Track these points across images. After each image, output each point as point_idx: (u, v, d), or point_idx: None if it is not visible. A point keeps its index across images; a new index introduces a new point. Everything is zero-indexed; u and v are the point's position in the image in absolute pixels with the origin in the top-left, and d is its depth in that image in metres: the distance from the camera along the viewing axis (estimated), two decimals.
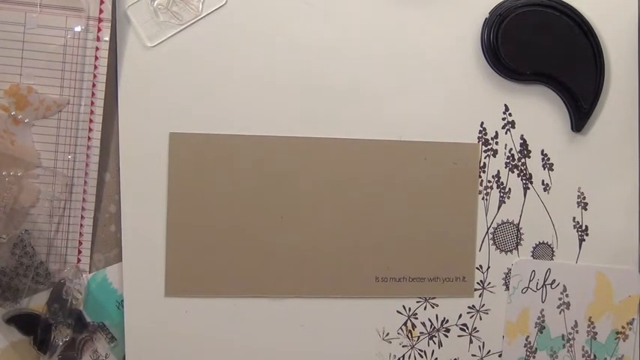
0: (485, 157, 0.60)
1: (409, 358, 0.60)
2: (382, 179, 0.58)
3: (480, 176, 0.60)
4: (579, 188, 0.61)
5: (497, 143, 0.60)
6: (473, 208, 0.59)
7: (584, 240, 0.61)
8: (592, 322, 0.62)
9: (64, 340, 0.55)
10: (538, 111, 0.60)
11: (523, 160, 0.60)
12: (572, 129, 0.60)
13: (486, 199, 0.60)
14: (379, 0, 0.58)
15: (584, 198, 0.61)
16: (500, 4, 0.59)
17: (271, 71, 0.57)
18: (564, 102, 0.60)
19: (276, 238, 0.57)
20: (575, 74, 0.59)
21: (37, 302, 0.55)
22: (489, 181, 0.60)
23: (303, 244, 0.57)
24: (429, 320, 0.60)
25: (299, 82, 0.58)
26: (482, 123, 0.60)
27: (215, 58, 0.57)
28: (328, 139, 0.58)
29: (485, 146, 0.60)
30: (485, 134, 0.60)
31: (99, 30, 0.55)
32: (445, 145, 0.59)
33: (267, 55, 0.57)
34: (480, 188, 0.60)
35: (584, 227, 0.61)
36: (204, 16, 0.57)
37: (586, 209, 0.61)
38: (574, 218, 0.61)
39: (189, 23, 0.57)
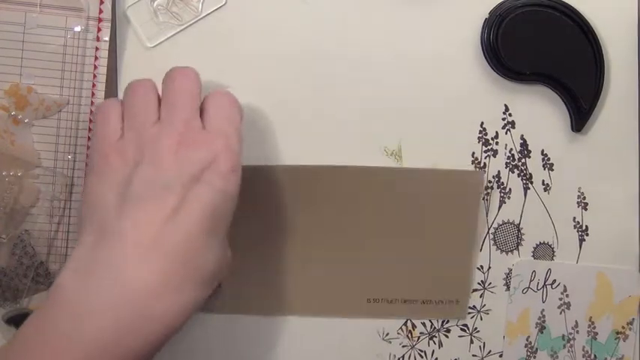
0: (485, 158, 0.60)
1: (409, 358, 0.60)
2: (379, 205, 0.57)
3: (485, 198, 0.60)
4: (579, 188, 0.61)
5: (497, 143, 0.60)
6: (471, 235, 0.59)
7: (584, 240, 0.61)
8: (592, 322, 0.62)
9: None
10: (538, 111, 0.60)
11: (523, 160, 0.60)
12: (572, 129, 0.60)
13: (487, 200, 0.60)
14: (379, 0, 0.58)
15: (584, 198, 0.61)
16: (500, 4, 0.59)
17: (271, 72, 0.57)
18: (564, 102, 0.60)
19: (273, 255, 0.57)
20: (575, 74, 0.59)
21: (37, 302, 0.55)
22: (489, 182, 0.60)
23: (294, 265, 0.57)
24: (430, 320, 0.60)
25: (298, 82, 0.58)
26: (482, 123, 0.60)
27: (215, 58, 0.57)
28: (325, 168, 0.57)
29: (486, 146, 0.60)
30: (486, 134, 0.60)
31: (99, 30, 0.54)
32: (446, 172, 0.58)
33: (267, 55, 0.57)
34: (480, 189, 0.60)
35: (584, 227, 0.61)
36: (204, 16, 0.57)
37: (586, 209, 0.61)
38: (574, 218, 0.61)
39: (189, 23, 0.56)
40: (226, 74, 0.57)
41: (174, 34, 0.56)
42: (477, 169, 0.57)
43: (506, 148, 0.60)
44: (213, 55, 0.57)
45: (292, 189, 0.56)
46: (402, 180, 0.57)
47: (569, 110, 0.60)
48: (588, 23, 0.59)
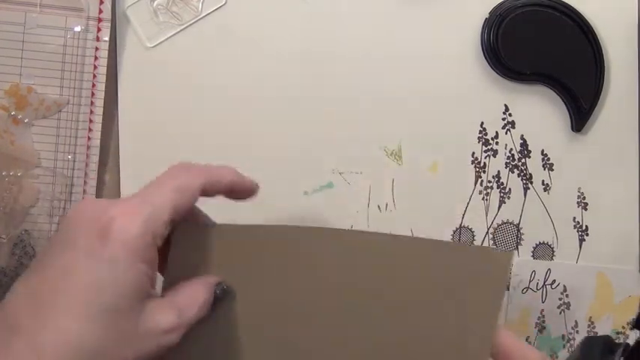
0: (485, 157, 0.60)
1: None
2: (386, 278, 0.40)
3: (481, 176, 0.60)
4: (579, 188, 0.61)
5: (497, 143, 0.60)
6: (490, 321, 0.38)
7: (584, 240, 0.61)
8: (592, 322, 0.62)
9: None
10: (538, 111, 0.60)
11: (523, 160, 0.60)
12: (572, 129, 0.60)
13: (486, 199, 0.60)
14: (379, 0, 0.58)
15: (584, 198, 0.61)
16: (500, 4, 0.59)
17: (271, 71, 0.57)
18: (564, 102, 0.60)
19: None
20: (575, 74, 0.59)
21: None
22: (489, 181, 0.60)
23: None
24: None
25: (298, 82, 0.58)
26: (482, 123, 0.60)
27: (215, 58, 0.57)
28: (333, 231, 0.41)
29: (486, 146, 0.60)
30: (486, 134, 0.60)
31: (99, 30, 0.54)
32: (462, 249, 0.41)
33: (267, 55, 0.57)
34: (481, 188, 0.60)
35: (584, 227, 0.61)
36: (204, 16, 0.57)
37: (586, 209, 0.61)
38: (574, 218, 0.61)
39: (189, 23, 0.56)
40: (226, 74, 0.57)
41: (174, 34, 0.56)
42: (507, 250, 0.40)
43: (506, 148, 0.60)
44: (213, 55, 0.57)
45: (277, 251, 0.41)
46: (404, 251, 0.40)
47: (569, 110, 0.60)
48: (588, 23, 0.59)
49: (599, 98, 0.60)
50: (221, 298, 0.39)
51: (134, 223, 0.35)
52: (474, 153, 0.60)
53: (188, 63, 0.56)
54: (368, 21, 0.58)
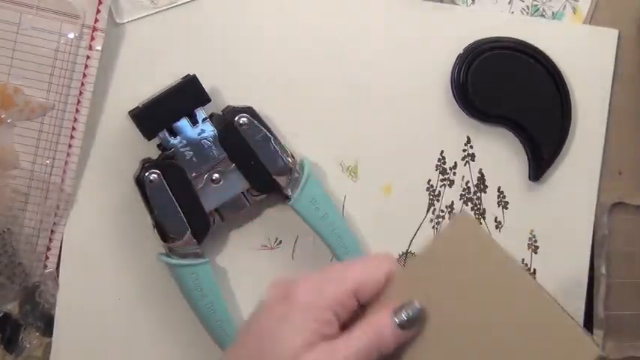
0: (440, 186, 0.60)
1: None
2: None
3: (434, 204, 0.60)
4: (532, 231, 0.61)
5: (454, 174, 0.60)
6: None
7: None
8: None
9: (32, 342, 0.55)
10: (499, 152, 0.60)
11: (479, 195, 0.60)
12: (529, 178, 0.59)
13: (437, 228, 0.61)
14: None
15: (535, 241, 0.61)
16: (476, 42, 0.57)
17: (247, 68, 0.58)
18: (525, 150, 0.59)
19: None
20: (539, 123, 0.58)
21: (9, 302, 0.55)
22: (442, 211, 0.61)
23: None
24: None
25: (276, 72, 0.58)
26: (442, 152, 0.60)
27: (187, 47, 0.57)
28: None
29: (443, 175, 0.60)
30: (444, 163, 0.60)
31: (92, 39, 0.55)
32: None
33: (255, 47, 0.58)
34: (432, 216, 0.60)
35: (532, 270, 0.61)
36: (179, 5, 0.57)
37: (536, 252, 0.61)
38: (523, 260, 0.61)
39: (161, 8, 0.56)
40: (199, 63, 0.57)
41: (145, 16, 0.57)
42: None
43: (462, 180, 0.60)
44: (186, 44, 0.57)
45: None
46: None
47: (528, 159, 0.59)
48: (560, 73, 0.56)
49: (561, 149, 0.58)
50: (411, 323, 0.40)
51: (309, 293, 0.41)
52: (429, 180, 0.60)
53: (161, 47, 0.57)
54: (343, 45, 0.58)
